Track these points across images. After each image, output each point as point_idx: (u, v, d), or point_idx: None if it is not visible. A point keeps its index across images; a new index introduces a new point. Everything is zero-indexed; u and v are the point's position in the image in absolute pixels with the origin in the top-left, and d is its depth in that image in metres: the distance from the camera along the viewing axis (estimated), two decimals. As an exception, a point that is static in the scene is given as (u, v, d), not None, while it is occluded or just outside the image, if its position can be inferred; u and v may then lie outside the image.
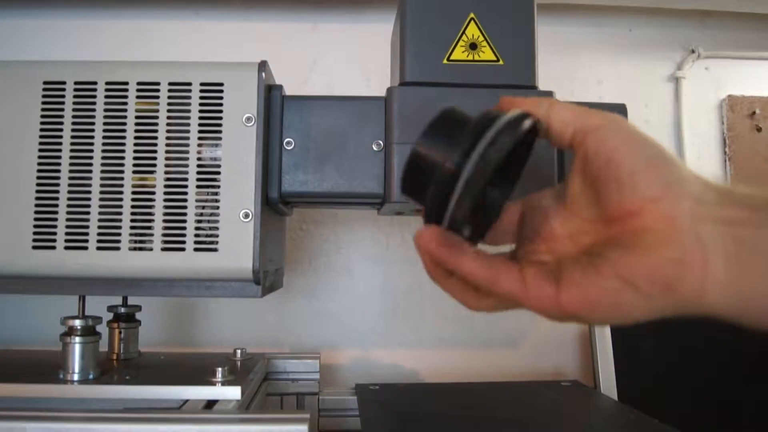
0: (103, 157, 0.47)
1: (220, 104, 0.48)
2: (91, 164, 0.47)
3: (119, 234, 0.47)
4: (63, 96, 0.48)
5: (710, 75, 0.90)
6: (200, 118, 0.48)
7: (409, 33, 0.50)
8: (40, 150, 0.48)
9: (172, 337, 0.80)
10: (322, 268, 0.83)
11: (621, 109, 0.54)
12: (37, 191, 0.47)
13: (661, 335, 0.73)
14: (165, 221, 0.47)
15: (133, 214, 0.47)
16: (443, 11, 0.50)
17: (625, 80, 0.89)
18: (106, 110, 0.48)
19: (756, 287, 0.25)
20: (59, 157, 0.47)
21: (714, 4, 0.87)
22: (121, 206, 0.47)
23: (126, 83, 0.48)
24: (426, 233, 0.30)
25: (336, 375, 0.81)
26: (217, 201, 0.47)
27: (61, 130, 0.48)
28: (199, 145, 0.48)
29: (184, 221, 0.47)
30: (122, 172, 0.47)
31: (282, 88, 0.52)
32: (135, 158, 0.48)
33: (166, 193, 0.47)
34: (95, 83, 0.48)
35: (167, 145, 0.48)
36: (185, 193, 0.47)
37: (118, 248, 0.47)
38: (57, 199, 0.47)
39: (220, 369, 0.52)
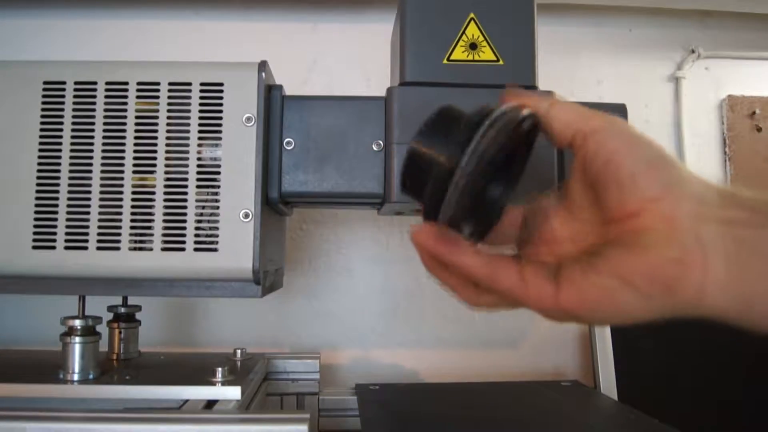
0: (103, 157, 0.47)
1: (220, 104, 0.48)
2: (91, 164, 0.47)
3: (119, 234, 0.47)
4: (63, 96, 0.48)
5: (710, 75, 0.90)
6: (200, 118, 0.48)
7: (409, 33, 0.49)
8: (40, 150, 0.48)
9: (172, 337, 0.80)
10: (322, 268, 0.83)
11: (621, 109, 0.54)
12: (37, 191, 0.47)
13: (661, 335, 0.73)
14: (165, 221, 0.47)
15: (133, 214, 0.47)
16: (443, 11, 0.49)
17: (625, 80, 0.89)
18: (106, 110, 0.48)
19: (756, 287, 0.25)
20: (59, 157, 0.47)
21: (714, 4, 0.87)
22: (121, 206, 0.47)
23: (126, 83, 0.48)
24: (423, 230, 0.30)
25: (336, 375, 0.81)
26: (217, 201, 0.47)
27: (61, 130, 0.48)
28: (199, 145, 0.48)
29: (184, 221, 0.47)
30: (122, 172, 0.47)
31: (282, 88, 0.52)
32: (135, 158, 0.48)
33: (166, 193, 0.47)
34: (95, 83, 0.48)
35: (167, 145, 0.48)
36: (185, 193, 0.47)
37: (118, 248, 0.47)
38: (57, 199, 0.47)
39: (220, 369, 0.52)
